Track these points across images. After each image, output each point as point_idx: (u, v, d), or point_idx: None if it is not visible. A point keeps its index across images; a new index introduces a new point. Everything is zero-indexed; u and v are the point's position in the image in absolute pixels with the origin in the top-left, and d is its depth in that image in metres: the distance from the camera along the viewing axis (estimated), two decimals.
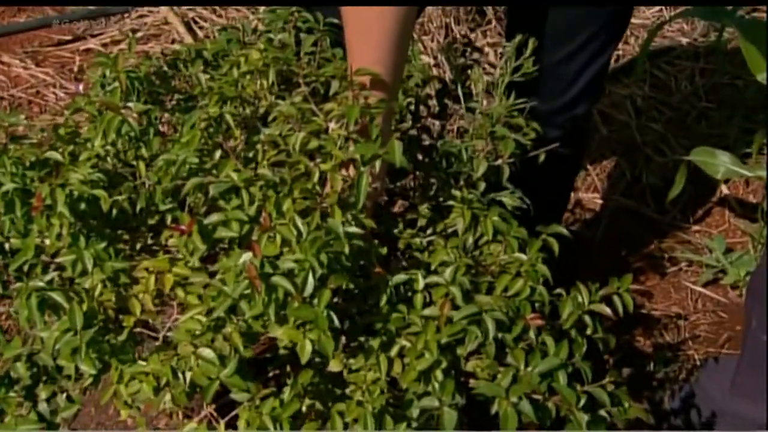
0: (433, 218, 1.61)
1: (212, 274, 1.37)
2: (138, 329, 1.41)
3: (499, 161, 1.62)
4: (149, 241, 1.48)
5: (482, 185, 1.63)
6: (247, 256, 1.31)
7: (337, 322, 1.28)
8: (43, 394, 1.45)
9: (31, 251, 1.40)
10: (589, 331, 1.48)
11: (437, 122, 1.76)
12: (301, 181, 1.41)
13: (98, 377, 1.41)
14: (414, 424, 1.31)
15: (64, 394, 1.46)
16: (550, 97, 1.92)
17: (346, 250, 1.31)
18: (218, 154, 1.45)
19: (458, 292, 1.41)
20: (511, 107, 1.66)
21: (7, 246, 1.44)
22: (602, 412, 1.40)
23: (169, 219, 1.44)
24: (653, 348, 2.29)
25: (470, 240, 1.57)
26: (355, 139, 1.44)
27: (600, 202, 2.67)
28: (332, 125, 1.48)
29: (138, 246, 1.48)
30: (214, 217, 1.39)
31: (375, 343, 1.38)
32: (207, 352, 1.29)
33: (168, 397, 1.35)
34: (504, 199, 1.62)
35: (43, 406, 1.46)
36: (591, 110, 2.06)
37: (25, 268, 1.42)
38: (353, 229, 1.41)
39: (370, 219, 1.47)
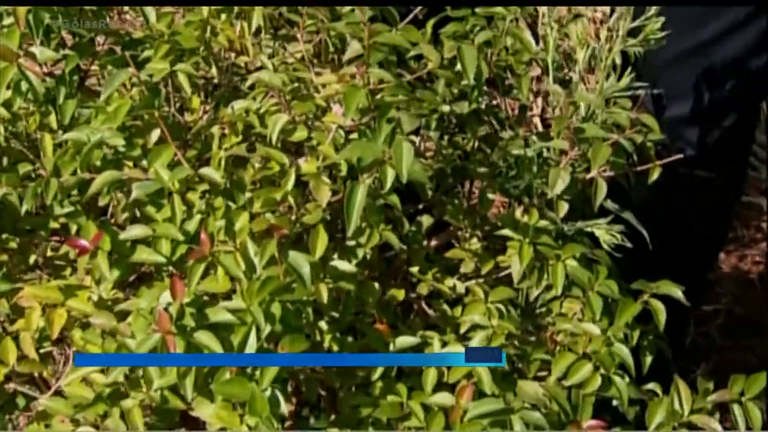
0: (480, 253, 1.20)
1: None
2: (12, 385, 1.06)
3: (592, 173, 1.19)
4: (49, 253, 1.12)
5: (564, 207, 1.20)
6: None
7: (284, 406, 0.96)
8: None
9: None
10: None
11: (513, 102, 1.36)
12: (266, 187, 1.03)
13: None
14: None
15: None
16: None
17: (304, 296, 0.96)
18: (155, 135, 1.08)
19: (486, 373, 1.05)
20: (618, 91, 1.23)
21: None
22: None
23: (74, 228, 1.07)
24: None
25: (533, 291, 1.17)
26: (362, 131, 1.06)
27: None
28: (337, 108, 1.11)
29: (32, 260, 1.12)
30: (135, 231, 1.03)
31: None
32: None
33: None
34: (596, 231, 1.20)
35: None
36: (752, 125, 1.59)
37: None
38: (343, 265, 1.04)
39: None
